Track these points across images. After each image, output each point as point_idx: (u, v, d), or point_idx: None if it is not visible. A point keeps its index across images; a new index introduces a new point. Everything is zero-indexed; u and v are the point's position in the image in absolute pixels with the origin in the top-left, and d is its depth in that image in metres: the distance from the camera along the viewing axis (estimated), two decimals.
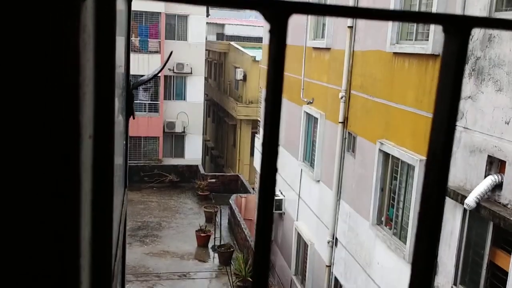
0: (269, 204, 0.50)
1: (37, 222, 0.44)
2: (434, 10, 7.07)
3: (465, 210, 6.26)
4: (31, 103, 0.43)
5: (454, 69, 0.49)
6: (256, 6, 0.45)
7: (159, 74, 24.81)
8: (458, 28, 0.49)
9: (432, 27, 7.10)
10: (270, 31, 0.48)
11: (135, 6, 26.17)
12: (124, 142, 1.65)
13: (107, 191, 0.68)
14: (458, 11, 6.52)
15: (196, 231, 17.44)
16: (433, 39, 7.05)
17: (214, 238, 17.15)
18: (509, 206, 5.67)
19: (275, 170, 0.48)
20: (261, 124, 17.89)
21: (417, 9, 7.80)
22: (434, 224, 0.52)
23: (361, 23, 9.60)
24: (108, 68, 0.64)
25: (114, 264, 0.97)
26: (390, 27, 8.27)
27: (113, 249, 0.92)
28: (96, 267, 0.61)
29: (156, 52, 25.03)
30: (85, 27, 0.48)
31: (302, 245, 12.69)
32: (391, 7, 8.24)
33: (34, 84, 0.43)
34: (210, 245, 17.28)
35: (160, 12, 24.86)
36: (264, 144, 0.47)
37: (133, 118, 1.74)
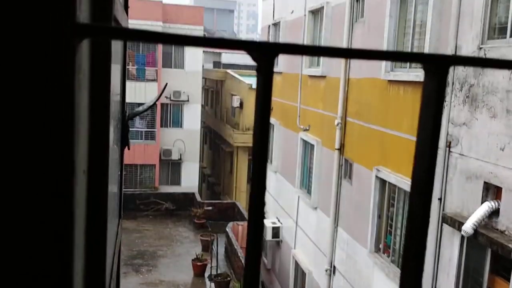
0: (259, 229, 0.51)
1: (28, 258, 0.45)
2: (427, 38, 7.21)
3: (462, 237, 6.23)
4: (25, 141, 0.44)
5: (434, 106, 0.51)
6: (244, 47, 0.48)
7: (156, 102, 24.95)
8: (436, 67, 0.51)
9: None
10: (257, 70, 0.50)
11: None
12: (119, 172, 1.66)
13: (101, 225, 0.68)
14: (451, 39, 6.65)
15: (192, 260, 17.21)
16: None
17: (211, 267, 16.92)
18: (506, 232, 5.65)
19: (262, 213, 0.49)
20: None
21: (410, 37, 7.95)
22: (420, 244, 0.53)
23: None
24: (102, 105, 0.66)
25: None
26: None
27: (107, 281, 0.91)
28: None
29: (153, 80, 25.25)
30: (80, 67, 0.50)
31: (300, 273, 12.54)
32: (385, 36, 8.40)
33: (28, 122, 0.44)
34: (206, 274, 17.03)
35: None
36: (252, 182, 0.49)
37: (128, 148, 1.75)
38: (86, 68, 0.54)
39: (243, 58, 33.90)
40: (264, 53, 0.48)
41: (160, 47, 25.39)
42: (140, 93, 24.54)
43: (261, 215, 0.51)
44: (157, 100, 2.97)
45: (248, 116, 25.10)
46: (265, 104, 0.49)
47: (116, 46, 1.52)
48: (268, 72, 0.49)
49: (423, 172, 0.53)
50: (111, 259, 1.19)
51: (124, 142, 1.65)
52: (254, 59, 0.49)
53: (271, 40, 15.36)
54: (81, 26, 0.45)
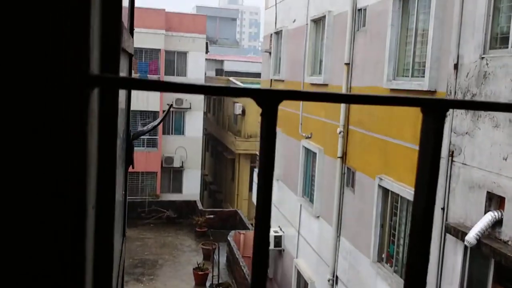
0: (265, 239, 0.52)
1: None
2: (429, 47, 7.23)
3: (466, 247, 6.21)
4: (43, 182, 0.46)
5: (432, 146, 0.53)
6: (250, 94, 0.49)
7: (158, 110, 25.03)
8: (434, 110, 0.53)
9: (428, 63, 7.24)
10: (262, 115, 0.52)
11: (135, 43, 26.63)
12: (123, 192, 1.67)
13: (108, 256, 0.70)
14: (453, 48, 6.66)
15: (193, 269, 17.16)
16: (429, 76, 7.17)
17: (212, 276, 16.87)
18: (509, 243, 5.63)
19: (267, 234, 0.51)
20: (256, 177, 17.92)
21: (412, 46, 7.98)
22: (424, 251, 0.55)
23: (358, 60, 9.79)
24: (110, 146, 0.68)
25: None
26: (386, 63, 8.43)
27: None
28: None
29: None
30: (92, 112, 0.52)
31: (302, 283, 12.49)
32: (387, 45, 8.42)
33: (45, 166, 0.46)
34: (208, 283, 16.98)
35: (160, 49, 25.30)
36: (257, 219, 0.50)
37: (133, 167, 1.77)
38: (95, 109, 0.56)
39: (245, 65, 34.02)
40: (269, 100, 0.49)
41: (163, 55, 25.49)
42: (142, 100, 24.62)
43: (267, 242, 0.52)
44: (161, 121, 2.99)
45: (250, 124, 25.14)
46: (269, 145, 0.51)
47: (124, 62, 1.54)
48: (272, 117, 0.51)
49: (421, 210, 0.55)
50: (116, 280, 1.20)
51: (128, 161, 1.66)
52: (259, 104, 0.51)
53: (274, 48, 15.43)
54: (94, 78, 0.47)
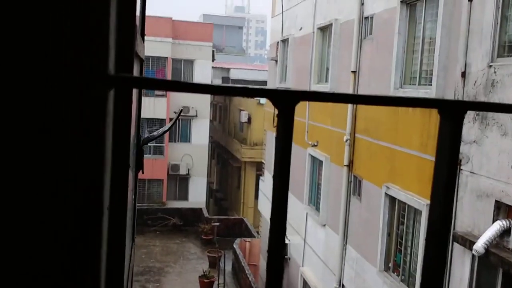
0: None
1: None
2: (436, 55, 7.22)
3: (473, 256, 6.16)
4: (63, 180, 0.47)
5: (449, 150, 0.52)
6: (267, 95, 0.49)
7: (165, 117, 25.12)
8: (452, 111, 0.52)
9: (435, 71, 7.23)
10: (278, 116, 0.52)
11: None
12: (133, 196, 1.68)
13: (120, 259, 0.70)
14: (460, 56, 6.65)
15: (199, 276, 17.11)
16: (437, 84, 7.15)
17: (218, 284, 16.80)
18: None
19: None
20: (265, 168, 17.58)
21: (419, 55, 7.96)
22: (440, 263, 0.54)
23: (365, 68, 9.79)
24: (123, 146, 0.68)
25: None
26: (393, 71, 8.42)
27: None
28: None
29: (162, 96, 25.44)
30: (110, 111, 0.53)
31: None
32: (394, 53, 8.42)
33: (64, 165, 0.47)
34: None
35: (167, 57, 25.45)
36: (272, 222, 0.50)
37: (143, 172, 1.78)
38: (111, 108, 0.56)
39: (251, 73, 34.12)
40: (286, 100, 0.49)
41: (169, 63, 25.62)
42: (149, 108, 24.71)
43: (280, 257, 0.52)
44: (172, 126, 3.01)
45: (256, 131, 25.15)
46: (286, 147, 0.51)
47: (136, 67, 1.55)
48: (289, 118, 0.50)
49: (439, 214, 0.54)
50: (125, 284, 1.20)
51: (138, 166, 1.67)
52: (275, 105, 0.51)
53: (280, 56, 15.47)
54: (112, 78, 0.47)
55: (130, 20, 0.76)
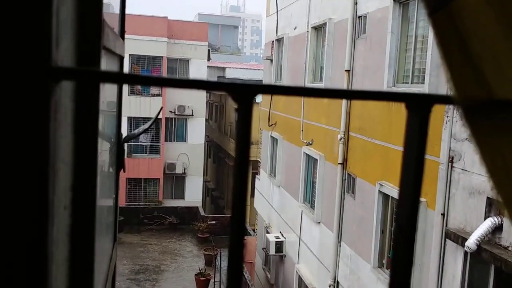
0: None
1: None
2: (429, 54, 7.23)
3: (466, 252, 6.17)
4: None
5: (417, 143, 0.51)
6: (224, 88, 0.48)
7: (160, 116, 25.05)
8: (419, 105, 0.51)
9: (428, 70, 7.24)
10: (237, 110, 0.50)
11: (137, 51, 26.48)
12: (114, 195, 1.66)
13: (87, 260, 0.68)
14: None
15: (195, 274, 17.11)
16: (429, 82, 7.16)
17: (214, 282, 16.81)
18: (510, 248, 5.59)
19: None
20: (261, 167, 17.64)
21: (412, 53, 7.97)
22: (408, 256, 0.53)
23: (359, 67, 9.79)
24: (89, 142, 0.66)
25: None
26: (386, 70, 8.43)
27: None
28: None
29: (158, 95, 25.38)
30: (59, 106, 0.51)
31: None
32: (387, 52, 8.42)
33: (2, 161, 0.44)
34: None
35: (162, 56, 25.39)
36: (232, 223, 0.48)
37: (124, 171, 1.76)
38: (68, 105, 0.54)
39: (247, 72, 34.11)
40: (243, 94, 0.48)
41: (165, 62, 25.58)
42: (145, 107, 24.66)
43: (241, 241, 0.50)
44: (151, 124, 3.00)
45: (252, 130, 25.11)
46: (244, 141, 0.50)
47: (112, 66, 1.53)
48: (248, 112, 0.49)
49: (408, 209, 0.53)
50: (103, 285, 1.18)
51: (119, 165, 1.65)
52: (234, 99, 0.49)
53: (275, 55, 15.45)
54: (56, 70, 0.45)
55: (95, 15, 0.74)
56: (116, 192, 1.65)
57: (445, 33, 0.45)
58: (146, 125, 3.04)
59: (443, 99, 0.52)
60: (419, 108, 0.51)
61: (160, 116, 25.03)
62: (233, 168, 0.52)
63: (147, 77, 0.44)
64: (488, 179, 0.51)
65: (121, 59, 1.61)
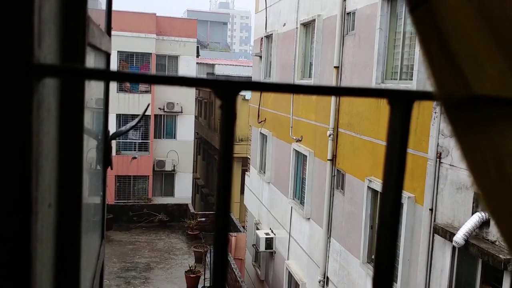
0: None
1: None
2: (417, 50, 7.28)
3: (454, 247, 6.24)
4: None
5: (399, 139, 0.52)
6: (208, 85, 0.48)
7: (150, 114, 24.93)
8: (401, 101, 0.52)
9: (416, 66, 7.29)
10: (221, 107, 0.51)
11: (126, 47, 26.30)
12: (102, 193, 1.65)
13: (74, 257, 0.68)
14: None
15: (185, 272, 17.10)
16: (417, 79, 7.21)
17: (204, 279, 16.81)
18: (497, 243, 5.67)
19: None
20: (251, 164, 17.66)
21: (400, 49, 8.02)
22: (391, 246, 0.54)
23: (347, 63, 9.82)
24: (74, 140, 0.65)
25: None
26: (375, 66, 8.47)
27: None
28: None
29: (147, 92, 25.25)
30: (42, 103, 0.50)
31: (294, 284, 12.48)
32: (375, 48, 8.46)
33: None
34: (200, 286, 16.91)
35: (151, 53, 25.25)
36: (216, 219, 0.49)
37: (111, 168, 1.75)
38: (52, 102, 0.54)
39: (236, 69, 34.06)
40: (227, 91, 0.48)
41: (154, 59, 25.44)
42: (133, 104, 24.52)
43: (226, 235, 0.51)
44: (139, 121, 2.99)
45: (241, 127, 25.12)
46: (228, 137, 0.50)
47: (99, 63, 1.52)
48: (231, 108, 0.49)
49: (388, 203, 0.54)
50: (90, 282, 1.17)
51: (106, 162, 1.64)
52: (217, 96, 0.50)
53: (264, 52, 15.44)
54: (39, 67, 0.45)
55: (80, 11, 0.74)
56: (104, 189, 1.65)
57: (426, 29, 0.46)
58: (134, 122, 3.04)
59: (425, 96, 0.52)
60: (401, 104, 0.52)
61: (149, 113, 24.92)
62: (217, 164, 0.52)
63: (131, 74, 0.44)
64: (468, 174, 0.52)
65: (107, 56, 1.60)
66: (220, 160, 0.50)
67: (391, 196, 0.53)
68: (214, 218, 0.49)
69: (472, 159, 0.50)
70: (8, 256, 0.45)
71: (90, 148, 1.08)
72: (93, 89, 1.26)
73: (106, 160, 1.61)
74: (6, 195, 0.45)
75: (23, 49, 0.45)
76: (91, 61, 1.10)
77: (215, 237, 0.50)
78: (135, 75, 0.44)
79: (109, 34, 1.66)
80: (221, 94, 0.48)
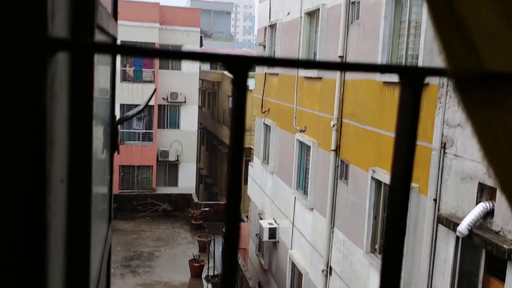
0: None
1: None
2: (422, 39, 7.23)
3: (457, 237, 6.25)
4: None
5: (409, 117, 0.52)
6: (220, 60, 0.48)
7: (153, 104, 24.94)
8: (412, 78, 0.52)
9: (421, 55, 7.24)
10: (233, 82, 0.51)
11: (129, 37, 26.20)
12: (109, 176, 1.66)
13: (84, 233, 0.69)
14: None
15: (189, 261, 17.21)
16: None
17: (208, 268, 16.92)
18: (501, 233, 5.67)
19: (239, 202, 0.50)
20: (254, 154, 17.63)
21: (405, 39, 7.97)
22: (400, 238, 0.54)
23: (352, 53, 9.77)
24: (84, 115, 0.66)
25: None
26: (379, 56, 8.42)
27: (93, 286, 0.91)
28: None
29: (150, 81, 25.23)
30: (55, 77, 0.51)
31: (297, 274, 12.54)
32: (380, 37, 8.41)
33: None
34: (203, 275, 17.03)
35: (154, 43, 25.18)
36: (228, 190, 0.49)
37: (118, 153, 1.76)
38: (63, 77, 0.54)
39: None
40: (240, 65, 0.48)
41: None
42: (137, 94, 24.51)
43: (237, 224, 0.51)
44: (145, 105, 2.99)
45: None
46: (240, 113, 0.50)
47: (105, 58, 1.52)
48: (243, 84, 0.49)
49: (400, 184, 0.54)
50: (99, 264, 1.19)
51: (113, 146, 1.65)
52: (229, 71, 0.50)
53: (268, 41, 15.37)
54: (53, 41, 0.45)
55: None
56: (111, 173, 1.66)
57: (437, 3, 0.46)
58: (140, 107, 3.04)
59: (436, 72, 0.52)
60: (412, 80, 0.52)
61: (152, 103, 24.92)
62: (229, 142, 0.53)
63: (141, 49, 0.44)
64: (479, 150, 0.52)
65: (114, 40, 1.60)
66: (232, 134, 0.50)
67: (401, 173, 0.53)
68: (226, 193, 0.50)
69: (483, 134, 0.50)
70: (24, 223, 0.46)
71: (97, 130, 1.08)
72: (100, 77, 1.26)
73: (113, 144, 1.62)
74: (22, 165, 0.46)
75: (38, 23, 0.45)
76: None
77: (226, 216, 0.50)
78: (143, 49, 0.44)
79: (115, 18, 1.66)
80: (233, 69, 0.48)
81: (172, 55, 0.46)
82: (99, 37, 1.01)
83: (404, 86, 0.53)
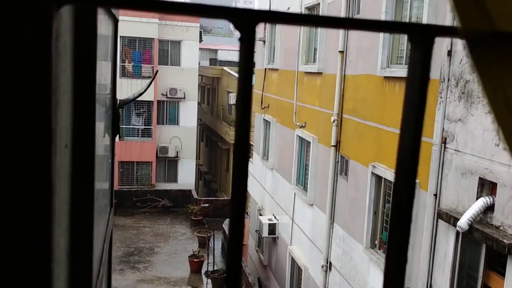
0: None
1: (5, 228, 0.44)
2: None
3: (458, 232, 6.25)
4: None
5: (419, 78, 0.51)
6: (225, 15, 0.47)
7: (152, 99, 24.89)
8: (422, 37, 0.51)
9: None
10: (240, 39, 0.50)
11: (128, 32, 26.13)
12: (110, 160, 1.65)
13: (87, 199, 0.68)
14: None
15: (189, 256, 17.22)
16: None
17: (207, 263, 16.94)
18: (501, 228, 5.67)
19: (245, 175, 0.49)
20: (254, 150, 17.60)
21: (405, 40, 7.94)
22: (405, 232, 0.53)
23: (352, 48, 9.76)
24: (88, 80, 0.65)
25: (97, 281, 0.96)
26: (380, 51, 8.41)
27: (96, 265, 0.91)
28: (74, 277, 0.60)
29: (149, 77, 25.17)
30: (60, 36, 0.50)
31: (296, 269, 12.55)
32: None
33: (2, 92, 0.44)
34: (203, 270, 17.05)
35: (153, 38, 25.13)
36: (235, 150, 0.48)
37: (119, 138, 1.75)
38: (67, 39, 0.53)
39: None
40: (248, 20, 0.47)
41: (156, 44, 25.32)
42: (136, 90, 24.43)
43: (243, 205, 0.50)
44: (148, 87, 2.98)
45: None
46: (247, 74, 0.49)
47: (107, 29, 1.51)
48: (251, 40, 0.48)
49: (408, 151, 0.53)
50: (101, 243, 1.18)
51: (115, 129, 1.64)
52: (236, 27, 0.49)
53: (268, 37, 15.34)
54: None
55: None
56: (112, 159, 1.65)
57: None
58: (142, 90, 3.03)
59: (447, 30, 0.52)
60: (422, 39, 0.51)
61: (152, 99, 24.89)
62: (236, 101, 0.51)
63: (143, 1, 0.43)
64: (489, 111, 0.51)
65: (115, 22, 1.59)
66: (238, 95, 0.49)
67: (410, 135, 0.52)
68: (233, 164, 0.48)
69: (494, 95, 0.49)
70: (30, 183, 0.45)
71: (100, 111, 1.07)
72: (101, 70, 1.25)
73: (114, 127, 1.61)
74: (28, 122, 0.45)
75: None
76: (102, 25, 1.09)
77: (232, 203, 0.49)
78: (148, 2, 0.43)
79: None
80: (240, 24, 0.47)
81: (174, 9, 0.44)
82: (102, 19, 1.00)
83: (413, 45, 0.52)
